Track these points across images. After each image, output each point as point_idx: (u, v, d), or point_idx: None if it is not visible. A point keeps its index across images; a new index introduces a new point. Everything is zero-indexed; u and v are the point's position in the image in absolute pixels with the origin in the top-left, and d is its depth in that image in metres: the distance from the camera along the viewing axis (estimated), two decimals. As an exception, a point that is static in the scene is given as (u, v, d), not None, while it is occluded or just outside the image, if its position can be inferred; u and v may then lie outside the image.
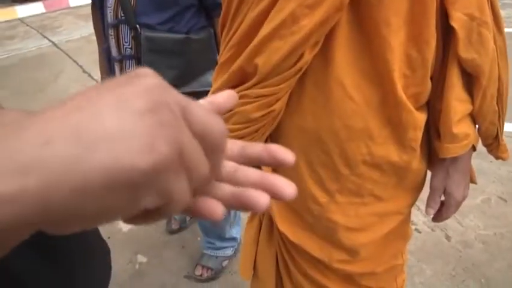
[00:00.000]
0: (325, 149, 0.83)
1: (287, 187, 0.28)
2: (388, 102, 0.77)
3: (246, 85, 0.78)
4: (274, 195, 0.28)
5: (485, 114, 0.80)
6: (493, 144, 0.88)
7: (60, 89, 4.00)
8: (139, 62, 1.35)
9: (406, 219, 0.98)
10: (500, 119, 0.84)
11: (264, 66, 0.74)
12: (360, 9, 0.71)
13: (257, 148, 0.32)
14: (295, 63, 0.74)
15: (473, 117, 0.82)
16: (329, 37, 0.73)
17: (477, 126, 0.85)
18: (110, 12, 1.32)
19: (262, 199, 0.27)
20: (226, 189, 0.29)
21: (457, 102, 0.78)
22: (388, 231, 0.92)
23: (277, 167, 0.32)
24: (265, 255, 1.09)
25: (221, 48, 0.84)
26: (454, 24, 0.70)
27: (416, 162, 0.86)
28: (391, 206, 0.91)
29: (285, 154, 0.30)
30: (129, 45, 1.34)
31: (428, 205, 0.92)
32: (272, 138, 0.92)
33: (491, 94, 0.78)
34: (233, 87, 0.79)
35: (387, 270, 1.00)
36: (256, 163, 0.31)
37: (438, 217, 0.95)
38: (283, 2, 0.70)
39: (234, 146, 0.33)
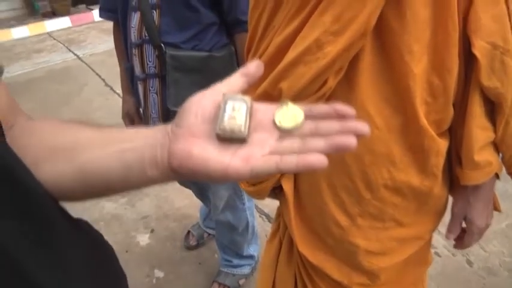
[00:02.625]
0: (347, 172, 0.84)
1: (363, 127, 0.37)
2: (410, 128, 0.78)
3: None
4: (357, 135, 0.36)
5: (509, 142, 0.80)
6: None
7: (83, 102, 4.09)
8: (162, 81, 1.36)
9: (427, 245, 0.99)
10: None
11: (288, 91, 0.76)
12: (383, 36, 0.72)
13: (323, 108, 0.38)
14: (319, 89, 0.76)
15: (496, 145, 0.82)
16: (353, 63, 0.74)
17: (500, 154, 0.84)
18: (134, 32, 1.34)
19: (352, 140, 0.35)
20: (318, 143, 0.36)
21: (479, 129, 0.78)
22: (408, 256, 0.93)
23: (343, 119, 0.39)
24: (284, 276, 1.09)
25: None
26: (476, 52, 0.71)
27: (438, 188, 0.86)
28: (412, 231, 0.91)
29: (348, 109, 0.38)
30: (153, 64, 1.35)
31: (448, 230, 0.93)
32: None
33: None
34: None
35: None
36: (324, 119, 0.38)
37: (460, 244, 0.95)
38: (308, 28, 0.72)
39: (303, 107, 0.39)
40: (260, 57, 0.82)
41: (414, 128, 0.77)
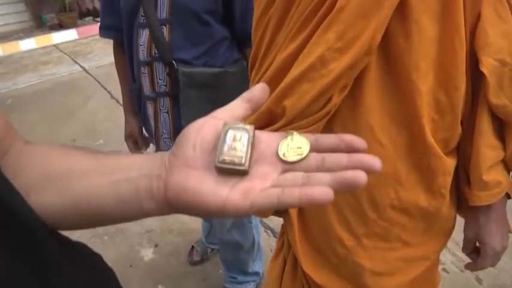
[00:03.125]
0: (353, 192, 0.82)
1: (374, 161, 0.33)
2: (416, 147, 0.76)
3: (274, 127, 0.78)
4: (366, 170, 0.33)
5: None
6: None
7: (89, 114, 4.10)
8: (173, 100, 1.33)
9: (434, 265, 0.96)
10: None
11: (292, 109, 0.74)
12: (389, 53, 0.71)
13: (331, 139, 0.36)
14: (323, 106, 0.74)
15: (507, 164, 0.79)
16: (358, 81, 0.72)
17: (511, 173, 0.81)
18: (143, 50, 1.30)
19: (362, 176, 0.32)
20: (325, 177, 0.33)
21: (488, 148, 0.75)
22: (415, 277, 0.90)
23: (352, 152, 0.35)
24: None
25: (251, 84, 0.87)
26: (484, 69, 0.69)
27: (446, 208, 0.83)
28: (419, 251, 0.89)
29: (358, 141, 0.35)
30: (163, 82, 1.31)
31: (463, 250, 0.92)
32: None
33: None
34: (261, 128, 0.76)
35: None
36: (331, 152, 0.35)
37: (472, 266, 0.92)
38: (312, 45, 0.70)
39: (309, 138, 0.37)
40: (263, 74, 0.80)
41: (421, 146, 0.75)
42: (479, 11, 0.67)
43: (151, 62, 1.30)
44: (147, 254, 2.24)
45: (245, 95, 0.40)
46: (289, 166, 0.36)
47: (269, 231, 2.28)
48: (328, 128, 0.78)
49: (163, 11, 1.24)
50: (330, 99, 0.73)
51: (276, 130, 0.78)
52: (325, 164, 0.35)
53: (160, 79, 1.31)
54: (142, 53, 1.30)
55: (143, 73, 1.33)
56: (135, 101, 1.47)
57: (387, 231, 0.85)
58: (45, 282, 0.38)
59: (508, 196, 0.82)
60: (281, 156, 0.36)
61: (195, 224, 2.32)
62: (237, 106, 0.40)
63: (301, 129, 0.76)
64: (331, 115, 0.76)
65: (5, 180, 0.38)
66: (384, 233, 0.85)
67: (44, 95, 4.84)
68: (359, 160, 0.33)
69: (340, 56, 0.68)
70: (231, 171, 0.36)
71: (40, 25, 8.77)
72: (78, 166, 0.43)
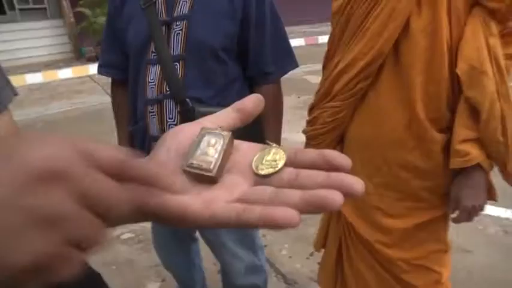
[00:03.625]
0: (373, 150, 1.17)
1: (357, 184, 0.28)
2: (414, 122, 1.09)
3: (326, 99, 1.22)
4: (345, 192, 0.27)
5: (489, 142, 1.03)
6: (504, 172, 1.08)
7: (112, 143, 4.17)
8: None
9: (440, 223, 1.22)
10: (509, 149, 1.03)
11: (337, 89, 1.16)
12: (397, 56, 1.08)
13: (311, 154, 0.32)
14: (352, 89, 1.14)
15: (481, 142, 1.04)
16: (378, 74, 1.11)
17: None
18: (152, 87, 1.24)
19: (336, 197, 0.27)
20: (293, 195, 0.29)
21: (462, 127, 1.04)
22: (420, 223, 1.18)
23: (333, 170, 0.30)
24: (333, 230, 1.39)
25: (321, 78, 1.27)
26: (458, 71, 1.02)
27: (439, 169, 1.12)
28: (421, 204, 1.17)
29: (341, 158, 0.30)
30: (173, 121, 1.25)
31: (449, 208, 1.17)
32: (342, 144, 1.27)
33: (493, 127, 1.00)
34: (320, 101, 1.25)
35: (419, 269, 1.22)
36: (310, 168, 0.31)
37: (454, 220, 1.19)
38: (350, 51, 1.13)
39: (287, 152, 0.33)
40: (332, 70, 1.19)
41: (416, 121, 1.08)
42: (462, 32, 1.01)
43: (161, 100, 1.24)
44: (153, 288, 2.18)
45: (236, 104, 0.38)
46: (260, 179, 0.33)
47: (280, 276, 2.20)
48: (360, 106, 1.17)
49: (177, 47, 1.21)
50: (356, 84, 1.12)
51: (327, 102, 1.20)
52: (298, 180, 0.31)
53: (170, 118, 1.25)
54: (151, 91, 1.25)
55: (151, 112, 1.27)
56: (137, 142, 1.39)
57: (395, 183, 1.17)
58: None
59: (483, 169, 1.06)
60: (254, 168, 0.33)
61: (206, 262, 2.26)
62: (225, 114, 0.38)
63: (340, 101, 1.16)
64: (362, 96, 1.15)
65: None
66: (393, 185, 1.17)
67: (73, 122, 4.99)
68: (338, 179, 0.29)
69: (364, 57, 1.09)
70: (199, 177, 0.33)
71: (79, 57, 9.21)
72: None
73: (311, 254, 2.31)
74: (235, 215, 0.30)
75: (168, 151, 0.35)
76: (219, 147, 0.34)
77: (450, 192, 1.14)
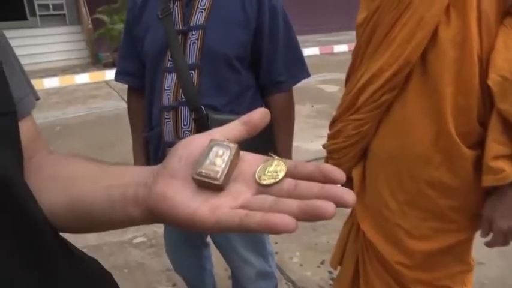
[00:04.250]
0: (398, 166, 1.12)
1: (347, 195, 0.31)
2: (441, 136, 1.03)
3: (350, 112, 1.17)
4: (337, 203, 0.31)
5: None
6: None
7: (127, 148, 4.21)
8: None
9: (467, 246, 1.17)
10: None
11: (361, 101, 1.12)
12: (425, 67, 1.04)
13: (309, 167, 0.35)
14: (377, 100, 1.09)
15: None
16: (404, 85, 1.06)
17: None
18: (168, 94, 1.27)
19: (328, 207, 0.30)
20: (291, 204, 0.32)
21: (495, 142, 0.98)
22: (445, 247, 1.11)
23: (329, 183, 0.33)
24: (351, 248, 1.35)
25: (344, 91, 1.24)
26: (489, 82, 0.96)
27: (466, 187, 1.05)
28: (445, 224, 1.11)
29: (335, 172, 0.33)
30: (188, 128, 1.28)
31: (481, 232, 1.09)
32: (366, 158, 1.23)
33: None
34: (343, 114, 1.21)
35: None
36: (308, 180, 0.34)
37: (488, 243, 1.10)
38: (375, 61, 1.09)
39: (288, 164, 0.36)
40: (356, 81, 1.16)
41: (445, 135, 1.02)
42: (493, 42, 0.97)
43: (177, 107, 1.27)
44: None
45: (244, 117, 0.41)
46: (262, 189, 0.36)
47: (290, 284, 2.20)
48: (385, 118, 1.12)
49: (192, 56, 1.24)
50: (382, 96, 1.08)
51: (350, 114, 1.16)
52: (297, 190, 0.34)
53: (185, 124, 1.28)
54: (167, 98, 1.28)
55: (166, 118, 1.30)
56: (152, 148, 1.43)
57: (421, 202, 1.10)
58: (47, 280, 0.40)
59: None
60: (256, 178, 0.37)
61: (217, 267, 2.28)
62: (233, 127, 0.41)
63: (364, 114, 1.12)
64: (387, 108, 1.10)
65: (23, 183, 0.41)
66: (418, 203, 1.11)
67: (89, 126, 5.06)
68: (331, 191, 0.32)
69: (390, 68, 1.05)
70: (206, 185, 0.36)
71: (96, 62, 9.35)
72: (82, 171, 0.47)
73: (322, 262, 2.31)
74: (238, 220, 0.33)
75: (179, 160, 0.38)
76: (226, 157, 0.37)
77: (482, 213, 1.06)
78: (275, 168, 0.36)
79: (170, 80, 1.27)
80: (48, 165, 0.49)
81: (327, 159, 1.32)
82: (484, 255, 2.22)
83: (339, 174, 0.33)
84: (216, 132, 0.40)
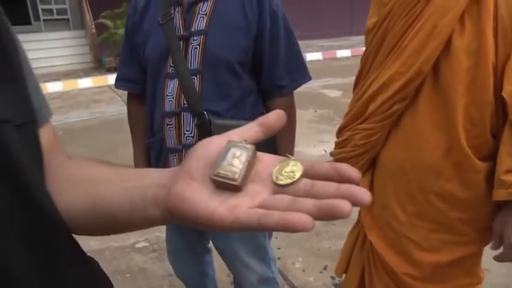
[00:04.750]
0: (407, 177, 1.10)
1: (363, 194, 0.32)
2: (453, 148, 1.01)
3: (358, 121, 1.15)
4: (354, 202, 0.31)
5: None
6: None
7: (130, 153, 4.22)
8: None
9: (476, 259, 1.15)
10: None
11: (371, 110, 1.10)
12: (438, 77, 1.01)
13: (325, 167, 0.35)
14: (387, 110, 1.07)
15: None
16: (416, 95, 1.04)
17: None
18: (170, 100, 1.27)
19: (345, 206, 0.30)
20: (308, 203, 0.33)
21: (507, 156, 0.95)
22: (454, 259, 1.10)
23: (345, 182, 0.34)
24: (357, 258, 1.34)
25: (352, 98, 1.23)
26: (504, 94, 0.93)
27: (478, 200, 1.04)
28: (455, 237, 1.09)
29: (351, 171, 0.34)
30: (191, 133, 1.27)
31: (492, 245, 1.08)
32: (374, 168, 1.21)
33: None
34: (351, 123, 1.18)
35: None
36: (324, 180, 0.35)
37: (498, 257, 1.08)
38: (385, 69, 1.07)
39: (304, 164, 0.36)
40: (365, 89, 1.14)
41: (456, 148, 1.00)
42: (510, 51, 0.94)
43: (179, 112, 1.27)
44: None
45: (260, 119, 0.42)
46: (279, 188, 0.37)
47: (293, 290, 2.19)
48: (395, 128, 1.10)
49: (194, 61, 1.24)
50: (392, 106, 1.06)
51: (359, 124, 1.14)
52: (313, 190, 0.34)
53: (187, 130, 1.28)
54: (169, 104, 1.28)
55: (168, 124, 1.29)
56: (153, 155, 1.42)
57: (430, 214, 1.09)
58: (56, 277, 0.42)
59: None
60: (273, 178, 0.37)
61: (219, 273, 2.27)
62: (250, 128, 0.42)
63: (373, 124, 1.10)
64: (397, 118, 1.08)
65: (42, 185, 0.43)
66: (428, 215, 1.09)
67: (92, 131, 5.08)
68: (347, 190, 0.32)
69: (401, 77, 1.02)
70: (225, 185, 0.37)
71: (99, 67, 9.39)
72: (102, 174, 0.48)
73: (324, 268, 2.30)
74: (257, 219, 0.33)
75: (197, 161, 0.39)
76: (243, 158, 0.38)
77: (493, 228, 1.05)
78: (292, 169, 0.37)
79: (172, 86, 1.27)
80: (67, 168, 0.51)
81: None
82: (488, 261, 2.20)
83: (355, 173, 0.34)
84: (233, 134, 0.41)
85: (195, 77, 1.24)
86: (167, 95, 1.28)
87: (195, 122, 1.26)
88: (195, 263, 1.70)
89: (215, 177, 0.37)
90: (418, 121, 1.05)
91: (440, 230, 1.09)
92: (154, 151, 1.41)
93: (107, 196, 0.44)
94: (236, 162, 0.37)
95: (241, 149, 0.38)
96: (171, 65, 1.26)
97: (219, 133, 1.50)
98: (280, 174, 0.37)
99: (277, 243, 2.45)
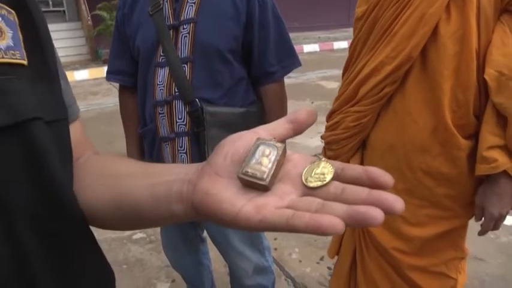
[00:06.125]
0: (396, 156, 1.16)
1: (396, 202, 0.30)
2: (440, 128, 1.08)
3: (349, 104, 1.20)
4: (385, 210, 0.30)
5: None
6: None
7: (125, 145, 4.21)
8: (192, 139, 1.30)
9: (460, 232, 1.22)
10: None
11: (362, 93, 1.15)
12: (425, 62, 1.07)
13: (357, 170, 0.34)
14: (378, 93, 1.12)
15: (508, 149, 1.03)
16: (405, 79, 1.10)
17: None
18: (161, 89, 1.28)
19: (377, 215, 0.29)
20: (338, 208, 0.31)
21: (489, 134, 1.03)
22: (441, 233, 1.17)
23: (375, 187, 0.32)
24: (347, 240, 1.38)
25: (342, 83, 1.26)
26: (486, 77, 1.01)
27: (463, 177, 1.11)
28: (442, 212, 1.16)
29: (384, 177, 0.32)
30: (183, 121, 1.28)
31: (475, 218, 1.16)
32: (363, 148, 1.26)
33: None
34: (342, 106, 1.23)
35: (436, 275, 1.22)
36: (355, 184, 0.33)
37: (480, 231, 1.17)
38: (377, 55, 1.12)
39: (335, 166, 0.35)
40: (354, 74, 1.18)
41: (443, 127, 1.07)
42: (490, 38, 1.01)
43: (171, 101, 1.28)
44: (163, 288, 2.19)
45: (290, 116, 0.40)
46: (308, 191, 0.35)
47: (289, 280, 2.20)
48: (385, 109, 1.16)
49: (184, 50, 1.25)
50: (383, 89, 1.11)
51: (351, 106, 1.19)
52: (344, 194, 0.33)
53: (179, 118, 1.29)
54: (160, 93, 1.29)
55: (160, 113, 1.31)
56: (146, 145, 1.44)
57: (419, 190, 1.15)
58: (67, 268, 0.43)
59: (510, 178, 1.04)
60: (303, 179, 0.36)
61: (216, 264, 2.28)
62: (279, 125, 0.40)
63: (364, 106, 1.15)
64: (387, 100, 1.13)
65: (65, 177, 0.43)
66: (417, 191, 1.15)
67: (89, 123, 5.05)
68: (380, 197, 0.31)
69: (392, 61, 1.07)
70: (252, 184, 0.36)
71: (95, 58, 9.34)
72: (127, 169, 0.49)
73: (321, 259, 2.31)
74: (285, 219, 0.32)
75: (225, 157, 0.38)
76: (272, 157, 0.36)
77: (475, 201, 1.12)
78: (322, 171, 0.35)
79: (162, 75, 1.28)
80: (95, 164, 0.52)
81: (325, 150, 1.34)
82: (485, 252, 2.22)
83: (388, 178, 0.32)
84: (262, 130, 0.40)
85: (186, 65, 1.25)
86: (158, 84, 1.29)
87: (187, 109, 1.27)
88: (190, 253, 1.71)
89: (243, 176, 0.36)
90: (406, 103, 1.11)
91: (428, 206, 1.16)
92: (147, 141, 1.41)
93: (131, 191, 0.44)
94: (265, 161, 0.36)
95: (270, 147, 0.37)
96: (162, 54, 1.27)
97: (211, 120, 1.47)
98: (310, 175, 0.35)
99: (273, 234, 2.45)
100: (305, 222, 0.31)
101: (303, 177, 0.36)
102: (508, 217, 2.60)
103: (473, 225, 1.20)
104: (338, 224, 0.29)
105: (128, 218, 0.46)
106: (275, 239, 2.44)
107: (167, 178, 0.42)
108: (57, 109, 0.45)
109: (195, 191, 0.38)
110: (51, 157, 0.40)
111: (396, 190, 1.16)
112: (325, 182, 0.34)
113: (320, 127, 1.33)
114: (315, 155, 0.37)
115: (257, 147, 0.37)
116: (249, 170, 0.35)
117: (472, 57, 1.01)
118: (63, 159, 0.44)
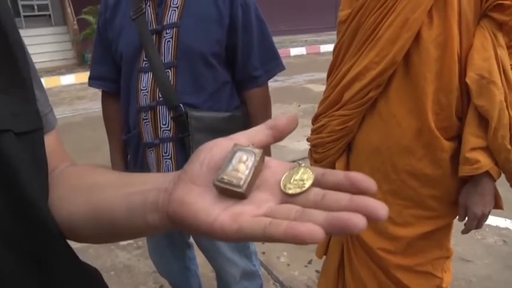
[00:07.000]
0: (381, 158, 1.18)
1: (380, 208, 0.28)
2: (424, 130, 1.10)
3: (335, 108, 1.21)
4: (369, 216, 0.28)
5: (498, 150, 1.05)
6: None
7: (114, 150, 4.18)
8: (177, 145, 1.29)
9: (445, 231, 1.24)
10: None
11: (346, 97, 1.17)
12: (409, 66, 1.09)
13: (338, 175, 0.32)
14: (363, 97, 1.14)
15: (490, 150, 1.06)
16: (388, 83, 1.11)
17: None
18: (145, 94, 1.26)
19: (358, 221, 0.27)
20: (318, 215, 0.30)
21: (471, 136, 1.06)
22: (426, 232, 1.18)
23: (358, 193, 0.31)
24: (335, 240, 1.39)
25: (326, 86, 1.28)
26: (468, 80, 1.04)
27: (447, 178, 1.13)
28: (427, 212, 1.18)
29: (367, 182, 0.31)
30: (167, 127, 1.27)
31: (459, 218, 1.18)
32: (349, 150, 1.27)
33: (502, 135, 1.02)
34: (328, 109, 1.23)
35: (422, 275, 1.23)
36: (336, 190, 0.32)
37: (464, 230, 1.20)
38: (361, 59, 1.13)
39: (315, 172, 0.33)
40: (338, 78, 1.20)
41: (426, 130, 1.09)
42: (472, 42, 1.04)
43: (154, 106, 1.26)
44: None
45: (270, 122, 0.39)
46: (287, 198, 0.34)
47: (278, 284, 2.19)
48: (370, 113, 1.17)
49: (168, 55, 1.24)
50: (368, 93, 1.12)
51: (336, 110, 1.20)
52: (324, 201, 0.31)
53: (164, 124, 1.27)
54: (143, 98, 1.27)
55: (144, 119, 1.29)
56: (131, 151, 1.42)
57: (403, 191, 1.17)
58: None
59: (491, 177, 1.08)
60: (282, 186, 0.34)
61: (203, 269, 2.26)
62: (259, 131, 0.39)
63: (349, 110, 1.16)
64: (371, 104, 1.15)
65: (39, 190, 0.42)
66: (401, 192, 1.17)
67: (75, 128, 5.01)
68: (363, 203, 0.29)
69: (376, 66, 1.09)
70: (229, 192, 0.34)
71: (82, 63, 9.27)
72: (103, 180, 0.47)
73: (309, 262, 2.31)
74: (262, 228, 0.31)
75: (201, 164, 0.37)
76: (250, 164, 0.35)
77: (459, 200, 1.15)
78: (301, 177, 0.34)
79: (146, 80, 1.26)
80: (71, 175, 0.50)
81: (311, 153, 1.35)
82: (472, 253, 2.24)
83: (371, 183, 0.31)
84: (241, 136, 0.38)
85: (169, 70, 1.24)
86: (141, 89, 1.27)
87: (171, 115, 1.25)
88: (177, 259, 1.70)
89: (219, 183, 0.34)
90: (391, 106, 1.13)
91: (412, 206, 1.18)
92: (131, 147, 1.40)
93: (107, 202, 0.43)
94: (242, 167, 0.35)
95: (248, 153, 0.36)
96: (145, 59, 1.26)
97: (195, 125, 1.46)
98: (289, 182, 0.34)
99: (262, 238, 2.45)
100: (282, 231, 0.29)
101: (281, 184, 0.34)
102: (495, 218, 2.65)
103: (460, 227, 1.21)
104: (317, 232, 0.28)
105: (105, 230, 0.44)
106: (263, 243, 2.43)
107: (143, 187, 0.41)
108: (30, 119, 0.43)
109: (170, 201, 0.36)
110: (22, 170, 0.39)
111: (381, 191, 1.18)
112: (304, 189, 0.33)
113: (307, 130, 1.33)
114: (295, 161, 0.36)
115: (234, 153, 0.36)
116: (225, 177, 0.34)
117: (454, 61, 1.03)
118: (37, 171, 0.43)
